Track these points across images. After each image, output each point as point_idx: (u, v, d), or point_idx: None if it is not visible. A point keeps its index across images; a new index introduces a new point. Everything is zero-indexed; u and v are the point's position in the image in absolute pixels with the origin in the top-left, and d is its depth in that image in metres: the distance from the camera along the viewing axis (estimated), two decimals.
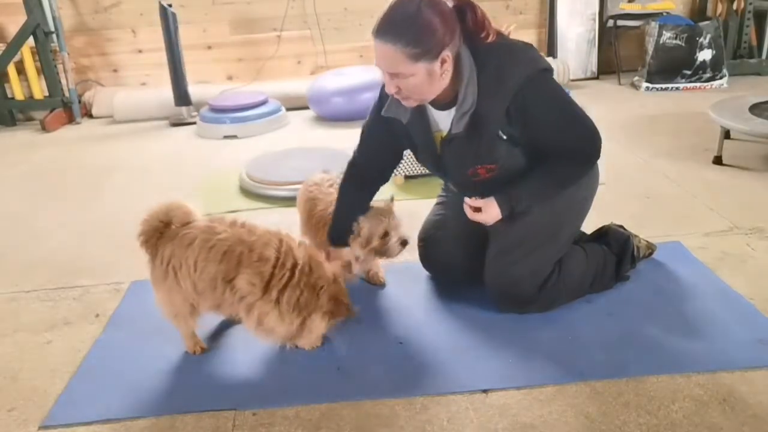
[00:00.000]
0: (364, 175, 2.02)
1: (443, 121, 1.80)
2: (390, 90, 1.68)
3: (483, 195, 1.84)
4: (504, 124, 1.70)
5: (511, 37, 1.76)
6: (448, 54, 1.61)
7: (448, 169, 1.88)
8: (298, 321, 1.73)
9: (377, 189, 2.08)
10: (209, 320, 2.04)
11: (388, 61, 1.61)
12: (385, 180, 2.09)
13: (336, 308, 1.77)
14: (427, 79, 1.62)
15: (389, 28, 1.57)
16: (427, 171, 3.08)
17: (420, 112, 1.81)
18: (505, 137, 1.73)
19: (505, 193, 1.78)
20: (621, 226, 2.20)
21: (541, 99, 1.68)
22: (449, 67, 1.63)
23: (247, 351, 1.88)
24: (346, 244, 2.00)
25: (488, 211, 1.80)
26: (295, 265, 1.73)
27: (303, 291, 1.72)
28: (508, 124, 1.70)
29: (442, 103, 1.76)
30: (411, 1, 1.56)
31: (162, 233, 1.75)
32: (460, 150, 1.77)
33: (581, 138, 1.76)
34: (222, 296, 1.72)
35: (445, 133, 1.80)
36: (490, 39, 1.67)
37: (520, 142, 1.75)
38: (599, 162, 1.99)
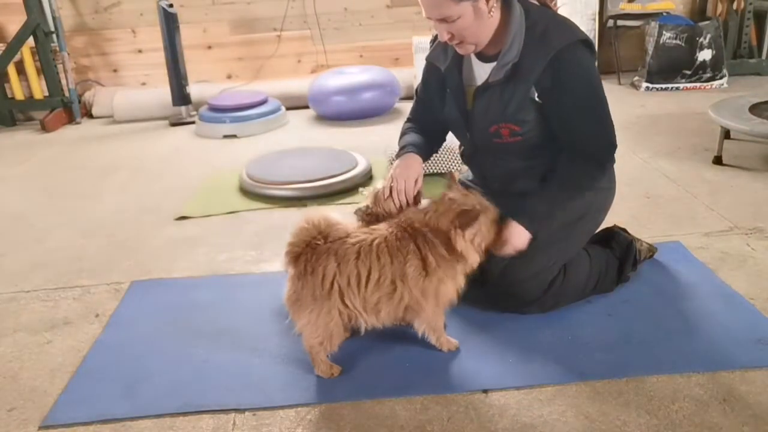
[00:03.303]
0: (425, 126, 2.02)
1: (482, 73, 1.81)
2: (443, 37, 1.69)
3: (497, 164, 1.90)
4: (539, 82, 1.71)
5: None
6: None
7: (474, 123, 1.87)
8: (459, 267, 1.69)
9: (438, 144, 2.07)
10: (203, 320, 2.05)
11: (433, 6, 1.63)
12: (444, 136, 2.07)
13: (462, 217, 1.64)
14: (476, 18, 1.65)
15: None
16: (427, 171, 3.10)
17: (458, 60, 1.84)
18: (537, 99, 1.74)
19: (521, 212, 1.78)
20: (624, 230, 2.20)
21: (575, 68, 1.70)
22: (495, 3, 1.66)
23: (247, 351, 1.88)
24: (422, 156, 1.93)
25: (517, 236, 1.77)
26: (413, 227, 1.68)
27: (436, 235, 1.65)
28: (543, 83, 1.71)
29: (487, 55, 1.78)
30: None
31: (313, 248, 1.65)
32: (491, 100, 1.78)
33: (596, 133, 1.77)
34: (399, 296, 1.66)
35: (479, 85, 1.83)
36: None
37: (547, 113, 1.76)
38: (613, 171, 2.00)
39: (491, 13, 1.67)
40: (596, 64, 1.79)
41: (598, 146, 1.79)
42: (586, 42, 1.73)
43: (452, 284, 1.70)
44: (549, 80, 1.71)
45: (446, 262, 1.67)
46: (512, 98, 1.74)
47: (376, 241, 1.66)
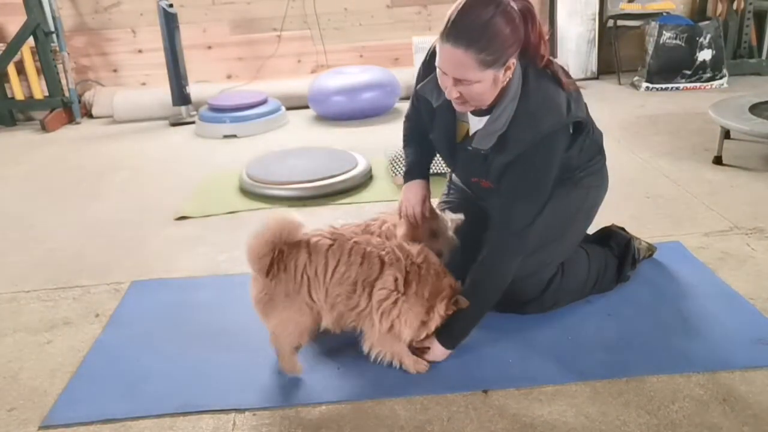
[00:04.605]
0: (423, 129, 1.99)
1: (473, 122, 1.80)
2: (451, 96, 1.64)
3: (474, 184, 1.91)
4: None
5: None
6: (513, 61, 1.60)
7: (457, 161, 1.90)
8: (424, 314, 1.68)
9: None
10: (203, 320, 2.05)
11: (458, 67, 1.57)
12: None
13: (452, 292, 1.71)
14: (492, 85, 1.61)
15: (463, 33, 1.53)
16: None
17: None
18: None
19: (445, 336, 1.77)
20: (622, 228, 2.21)
21: (547, 152, 1.69)
22: (511, 73, 1.63)
23: (247, 351, 1.88)
24: (425, 177, 2.00)
25: (439, 351, 1.78)
26: (419, 257, 1.69)
27: (432, 279, 1.68)
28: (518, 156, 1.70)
29: (477, 109, 1.75)
30: (485, 8, 1.52)
31: (281, 250, 1.64)
32: (473, 160, 1.78)
33: (521, 207, 1.72)
34: (356, 301, 1.66)
35: (470, 130, 1.80)
36: (542, 62, 1.66)
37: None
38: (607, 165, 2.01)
39: (504, 81, 1.63)
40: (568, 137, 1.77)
41: (514, 215, 1.73)
42: (569, 123, 1.70)
43: (412, 320, 1.67)
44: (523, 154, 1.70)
45: (419, 300, 1.67)
46: (493, 164, 1.74)
47: (354, 240, 1.68)
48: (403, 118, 2.11)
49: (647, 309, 1.98)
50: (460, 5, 1.54)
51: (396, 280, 1.65)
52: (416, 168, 2.02)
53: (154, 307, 2.15)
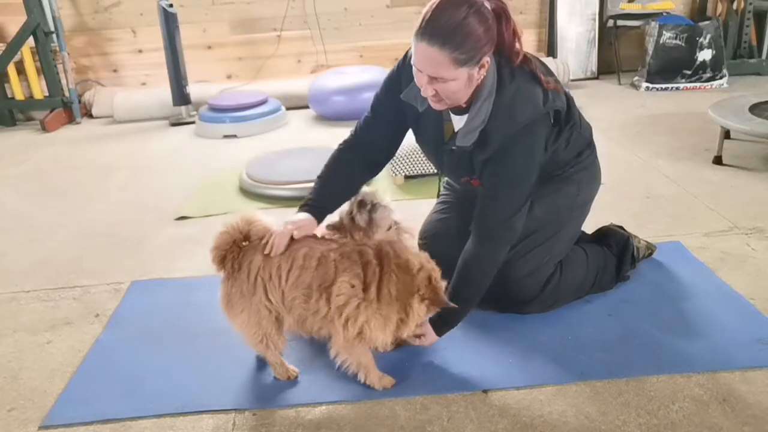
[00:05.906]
0: (366, 155, 1.93)
1: (456, 121, 1.81)
2: (426, 93, 1.66)
3: (462, 184, 1.92)
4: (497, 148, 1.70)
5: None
6: (488, 59, 1.62)
7: (444, 164, 1.90)
8: (397, 314, 1.61)
9: (376, 172, 2.00)
10: (203, 320, 2.05)
11: (432, 65, 1.58)
12: (384, 163, 2.00)
13: (433, 294, 1.61)
14: (466, 83, 1.63)
15: (437, 31, 1.54)
16: (427, 171, 3.09)
17: None
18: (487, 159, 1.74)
19: (438, 323, 1.77)
20: (621, 227, 2.21)
21: (526, 144, 1.70)
22: (485, 71, 1.64)
23: (247, 351, 1.87)
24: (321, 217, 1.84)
25: (431, 336, 1.78)
26: (379, 255, 1.63)
27: (397, 276, 1.59)
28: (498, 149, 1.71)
29: (457, 108, 1.76)
30: (459, 8, 1.54)
31: (240, 247, 1.65)
32: (459, 159, 1.79)
33: (504, 197, 1.73)
34: (315, 306, 1.61)
35: (454, 130, 1.81)
36: (518, 60, 1.66)
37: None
38: (600, 162, 2.01)
39: (479, 79, 1.64)
40: (545, 133, 1.75)
41: (499, 210, 1.73)
42: (546, 112, 1.70)
43: (382, 324, 1.61)
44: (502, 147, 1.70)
45: (388, 300, 1.59)
46: (478, 160, 1.74)
47: (309, 244, 1.65)
48: None
49: (647, 309, 1.98)
50: (435, 4, 1.56)
51: (353, 286, 1.59)
52: (318, 204, 1.84)
53: (154, 307, 2.15)
